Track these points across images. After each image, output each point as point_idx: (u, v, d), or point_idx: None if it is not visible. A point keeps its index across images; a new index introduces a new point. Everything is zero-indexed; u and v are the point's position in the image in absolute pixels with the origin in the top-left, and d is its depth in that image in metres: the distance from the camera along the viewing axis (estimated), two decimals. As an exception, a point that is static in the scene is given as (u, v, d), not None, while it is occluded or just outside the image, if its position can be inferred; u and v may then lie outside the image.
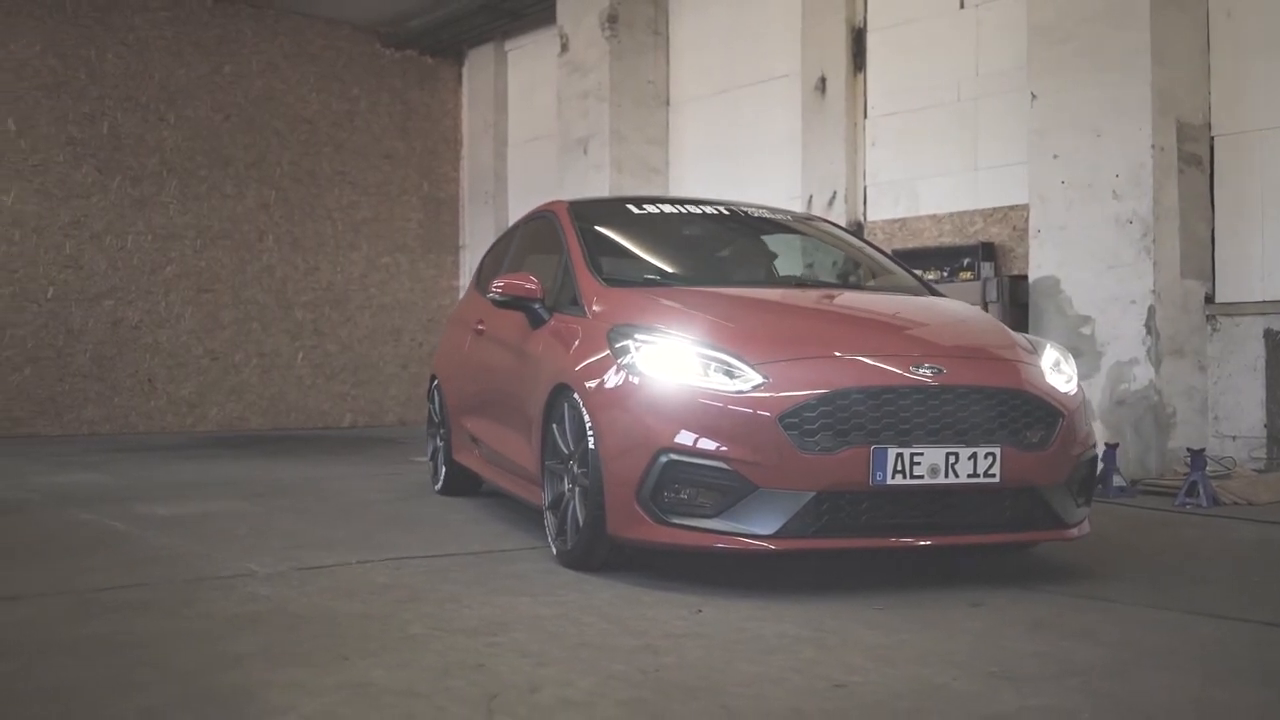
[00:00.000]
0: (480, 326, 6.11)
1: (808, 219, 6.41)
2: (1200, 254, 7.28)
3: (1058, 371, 4.42)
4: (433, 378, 7.11)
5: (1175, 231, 7.11)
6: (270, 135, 13.03)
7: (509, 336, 5.50)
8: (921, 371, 4.06)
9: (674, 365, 4.13)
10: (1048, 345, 4.64)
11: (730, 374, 4.04)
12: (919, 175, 9.07)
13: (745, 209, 6.00)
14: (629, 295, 4.81)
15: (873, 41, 9.41)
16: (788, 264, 5.98)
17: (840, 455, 3.88)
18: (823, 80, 9.50)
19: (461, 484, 6.62)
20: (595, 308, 4.77)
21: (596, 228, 5.46)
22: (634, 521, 4.10)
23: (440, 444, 6.81)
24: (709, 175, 10.73)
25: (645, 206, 5.78)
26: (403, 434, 12.17)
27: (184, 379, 12.52)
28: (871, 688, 2.88)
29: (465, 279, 14.12)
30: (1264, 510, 6.09)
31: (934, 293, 5.43)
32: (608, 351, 4.35)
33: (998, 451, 4.00)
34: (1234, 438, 7.14)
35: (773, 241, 6.01)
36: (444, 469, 6.73)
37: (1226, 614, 3.68)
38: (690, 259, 5.68)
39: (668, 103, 11.30)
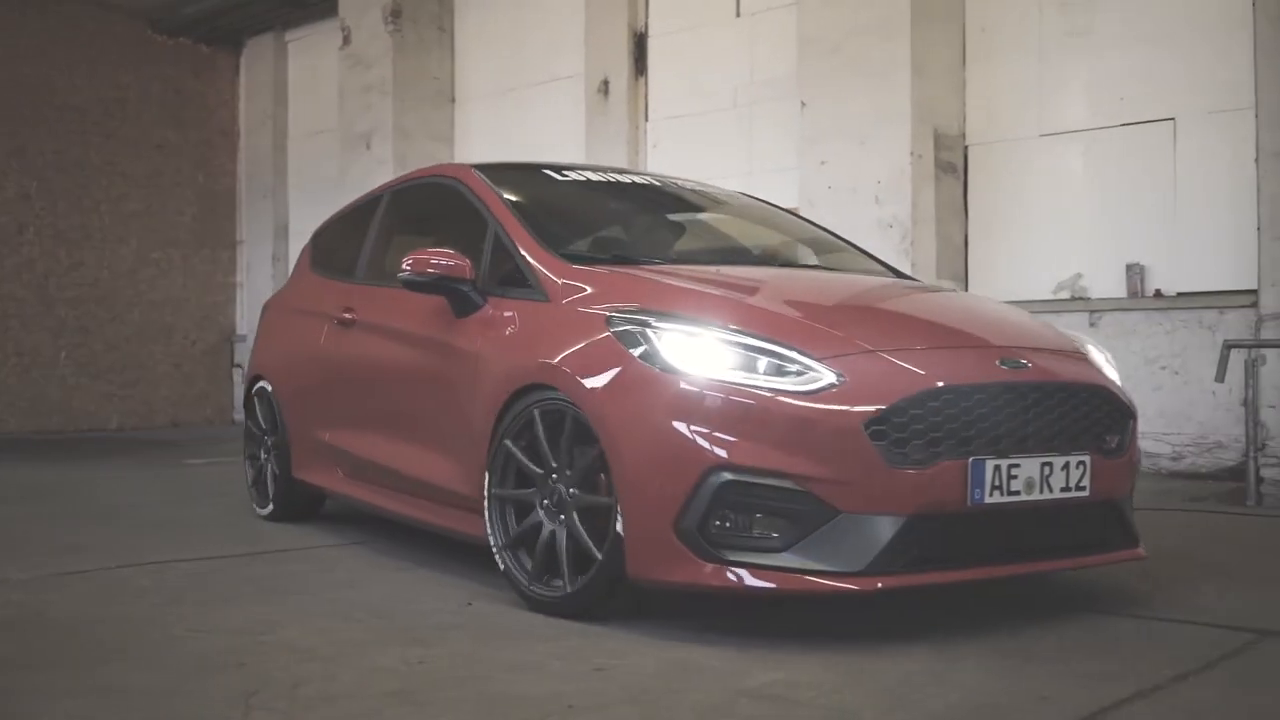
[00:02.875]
0: (348, 315, 5.09)
1: (741, 194, 5.70)
2: (954, 256, 7.74)
3: (1110, 367, 3.92)
4: (255, 380, 5.95)
5: (932, 235, 7.54)
6: (34, 122, 12.36)
7: (412, 326, 4.51)
8: (1007, 368, 3.43)
9: (711, 359, 3.32)
10: (1083, 338, 4.08)
11: (786, 371, 3.27)
12: (699, 177, 9.29)
13: (675, 181, 5.32)
14: (609, 274, 3.93)
15: (654, 46, 9.62)
16: (746, 242, 5.24)
17: (933, 470, 3.19)
18: (606, 83, 9.66)
19: (300, 508, 5.61)
20: (564, 290, 3.87)
21: (521, 197, 4.52)
22: (669, 559, 3.23)
23: (268, 461, 5.69)
24: (494, 173, 10.73)
25: (567, 173, 4.93)
26: (175, 436, 11.74)
27: (-67, 379, 11.75)
28: (630, 669, 2.98)
29: (243, 274, 13.73)
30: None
31: (910, 279, 4.91)
32: (610, 341, 3.50)
33: (1087, 460, 3.43)
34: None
35: (716, 218, 5.29)
36: (278, 489, 5.60)
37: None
38: (650, 233, 4.93)
39: (453, 100, 11.26)
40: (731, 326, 3.41)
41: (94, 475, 7.95)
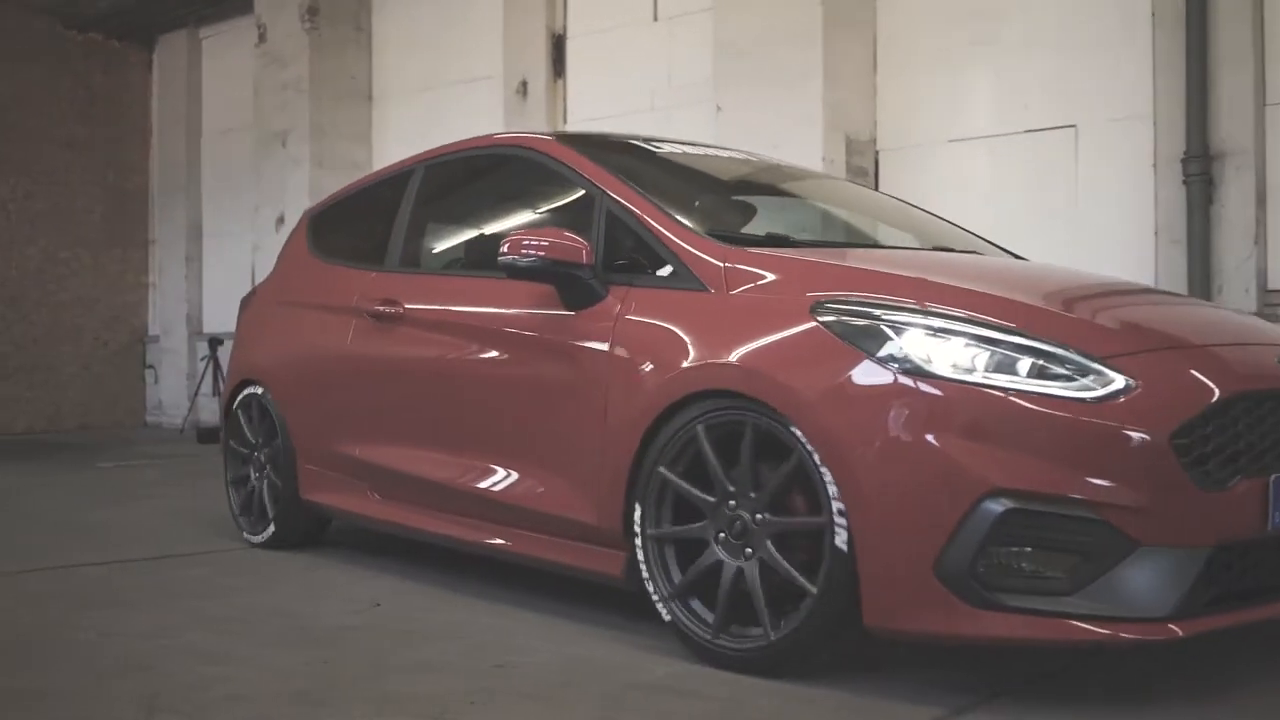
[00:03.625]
0: (388, 309, 4.31)
1: (830, 176, 5.01)
2: (866, 259, 7.86)
3: None
4: (240, 386, 5.14)
5: (844, 238, 7.65)
6: (-65, 117, 12.07)
7: (498, 321, 3.81)
8: None
9: (964, 359, 2.75)
10: None
11: (1054, 373, 2.71)
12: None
13: (761, 157, 4.78)
14: (782, 258, 3.32)
15: (572, 48, 9.65)
16: (887, 223, 4.71)
17: (1235, 491, 2.71)
18: (524, 84, 9.67)
19: (305, 532, 4.84)
20: (731, 276, 3.22)
21: (632, 172, 3.81)
22: (925, 605, 2.67)
23: (263, 479, 4.89)
24: (412, 174, 10.70)
25: (659, 145, 4.34)
26: (85, 439, 11.53)
27: None
28: (531, 666, 3.03)
29: (155, 274, 13.50)
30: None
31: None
32: (823, 337, 2.90)
33: None
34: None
35: (838, 196, 4.74)
36: (280, 512, 4.79)
37: None
38: (785, 213, 4.34)
39: (371, 98, 11.20)
40: (983, 319, 2.81)
41: (0, 479, 7.80)
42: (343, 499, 4.48)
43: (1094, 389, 2.67)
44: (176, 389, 12.67)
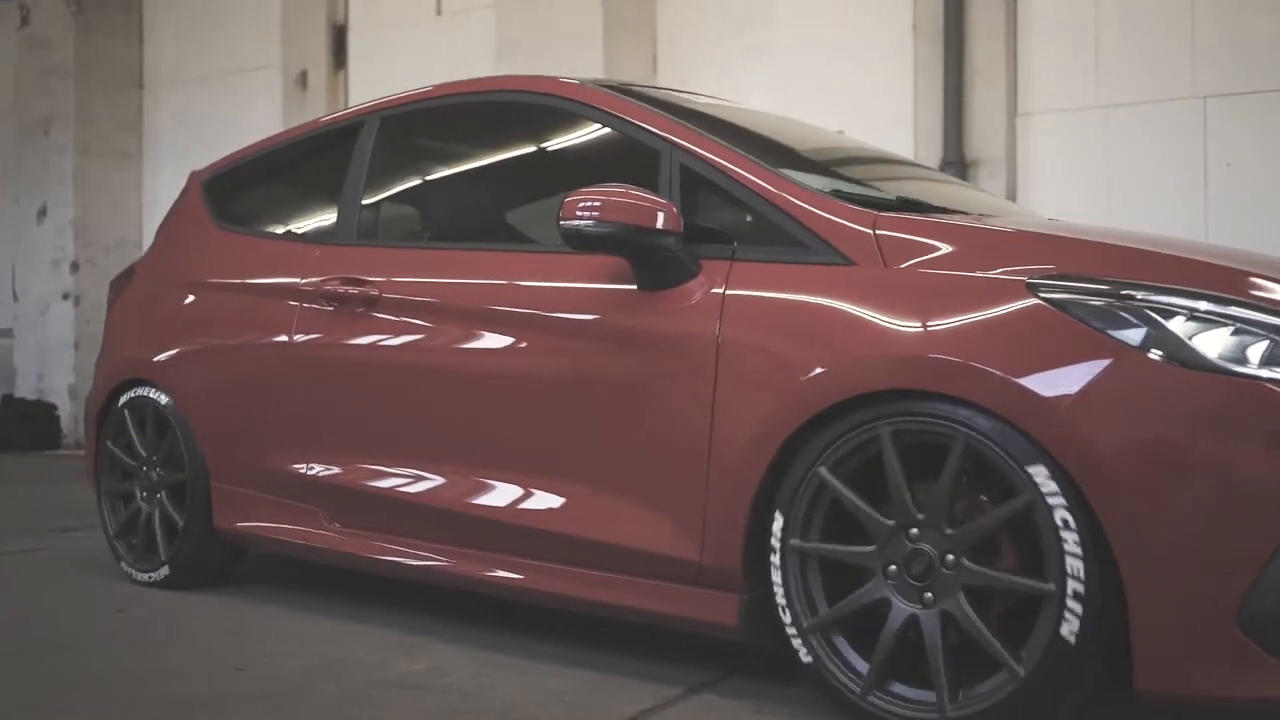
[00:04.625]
0: (354, 291, 3.50)
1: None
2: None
3: None
4: (124, 387, 4.22)
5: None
6: None
7: (538, 304, 3.09)
8: None
9: (1244, 351, 2.25)
10: None
11: None
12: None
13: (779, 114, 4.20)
14: (961, 226, 2.74)
15: (354, 40, 9.49)
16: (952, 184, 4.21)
17: None
18: (304, 74, 9.46)
19: (212, 569, 4.00)
20: (888, 246, 2.61)
21: (701, 122, 3.16)
22: (1223, 661, 2.18)
23: (156, 503, 4.01)
24: (188, 163, 10.32)
25: (692, 96, 3.78)
26: None
27: None
28: (272, 667, 2.98)
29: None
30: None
31: None
32: (1058, 320, 2.31)
33: None
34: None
35: (881, 156, 4.05)
36: (183, 546, 3.91)
37: None
38: (867, 171, 3.70)
39: (142, 85, 10.75)
40: (1258, 302, 2.29)
41: None
42: (278, 528, 3.67)
43: None
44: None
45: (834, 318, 2.58)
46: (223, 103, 10.23)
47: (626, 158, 3.15)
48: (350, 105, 9.35)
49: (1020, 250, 2.55)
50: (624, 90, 3.34)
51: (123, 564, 4.09)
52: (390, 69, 9.26)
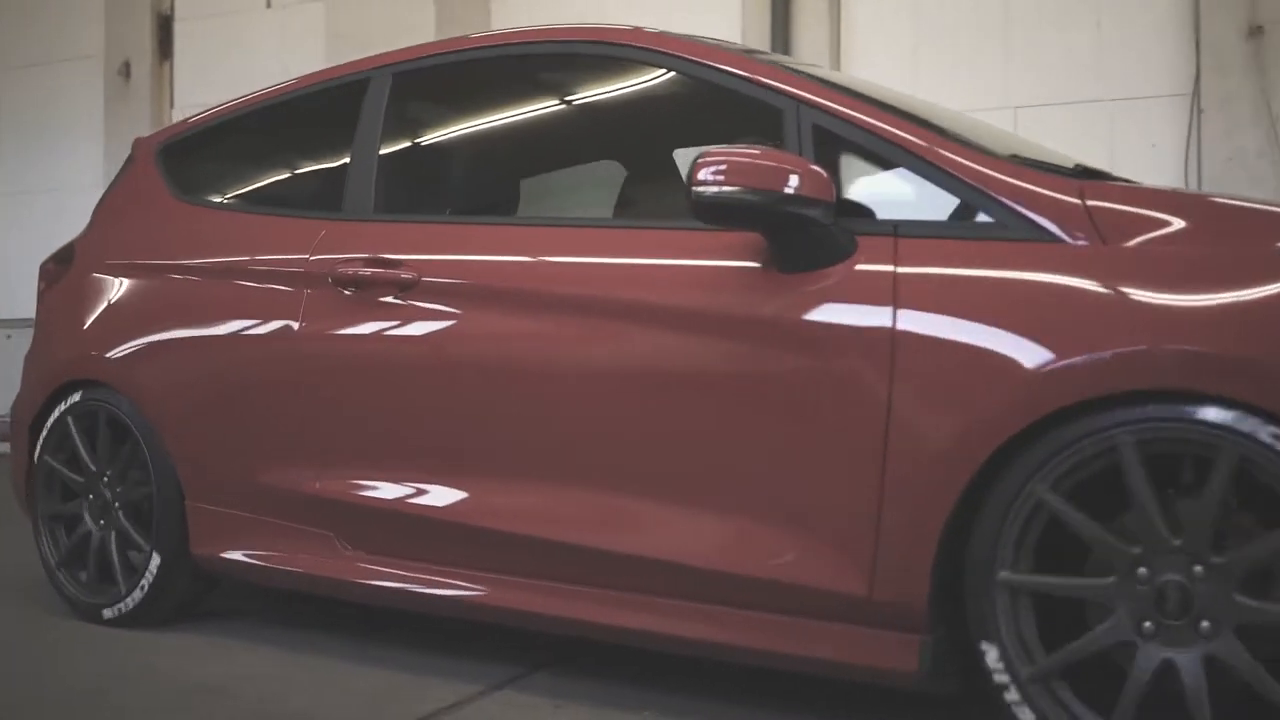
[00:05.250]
0: (401, 273, 2.94)
1: None
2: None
3: None
4: (69, 388, 3.60)
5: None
6: None
7: (639, 290, 2.61)
8: None
9: None
10: None
11: None
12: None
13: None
14: (1186, 196, 2.52)
15: (180, 30, 9.24)
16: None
17: None
18: (127, 65, 9.17)
19: (181, 603, 3.42)
20: (1108, 219, 2.21)
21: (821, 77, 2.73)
22: None
23: (109, 526, 3.44)
24: (1, 159, 9.91)
25: (761, 53, 3.15)
26: None
27: None
28: (65, 674, 2.89)
29: None
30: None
31: None
32: None
33: None
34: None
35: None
36: (152, 576, 3.30)
37: None
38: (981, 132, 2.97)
39: (-46, 72, 10.26)
40: None
41: None
42: (278, 554, 3.13)
43: None
44: None
45: (1055, 305, 2.16)
46: (40, 91, 9.84)
47: (735, 118, 2.79)
48: (169, 99, 9.13)
49: (1267, 225, 2.18)
50: (713, 44, 2.86)
51: (71, 595, 3.48)
52: (218, 61, 9.06)
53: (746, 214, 2.35)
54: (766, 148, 2.38)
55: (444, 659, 3.01)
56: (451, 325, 2.85)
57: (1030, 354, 2.13)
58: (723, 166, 2.31)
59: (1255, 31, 5.73)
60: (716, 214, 2.37)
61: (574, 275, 2.70)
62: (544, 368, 2.69)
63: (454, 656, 3.03)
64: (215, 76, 9.05)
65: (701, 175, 2.32)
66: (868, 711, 2.58)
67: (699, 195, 2.32)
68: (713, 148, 2.34)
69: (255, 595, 3.50)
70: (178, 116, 9.19)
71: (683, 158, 3.14)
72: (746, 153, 2.33)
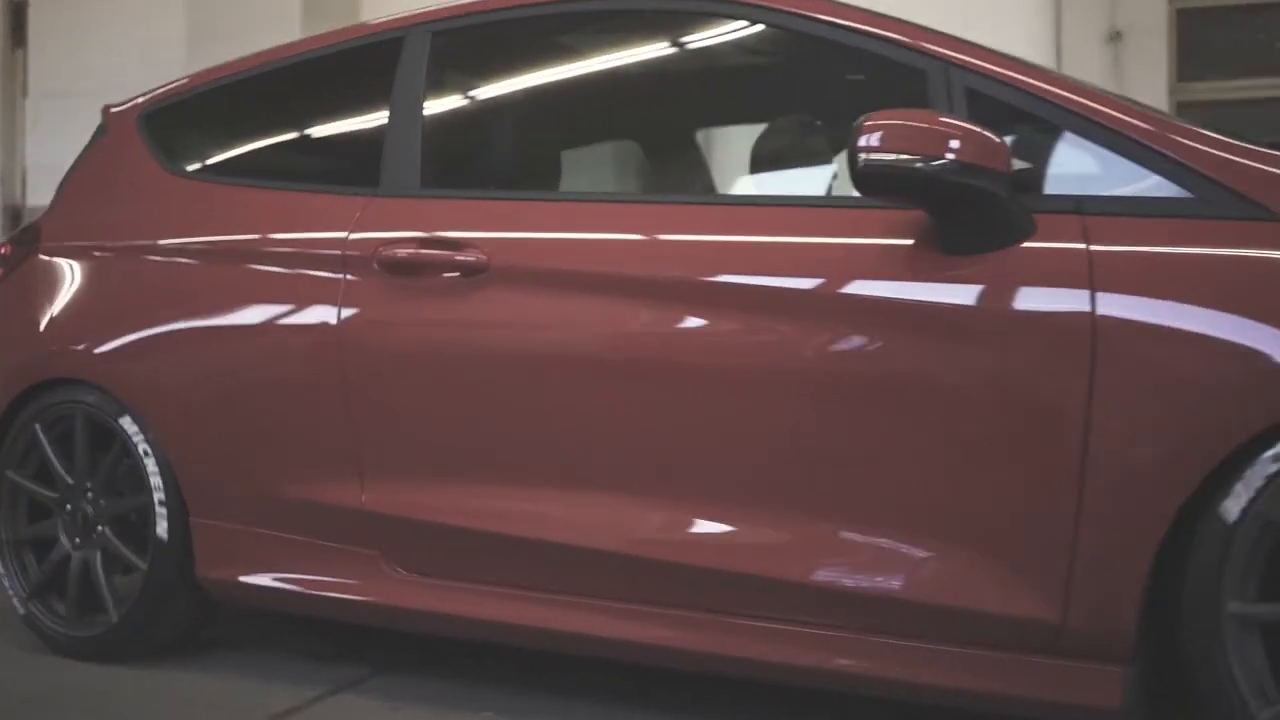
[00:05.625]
0: (466, 255, 2.55)
1: None
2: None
3: None
4: (32, 394, 3.11)
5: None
6: None
7: (778, 274, 2.28)
8: None
9: None
10: None
11: None
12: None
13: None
14: None
15: (34, 17, 8.97)
16: None
17: None
18: (-23, 51, 8.84)
19: (173, 629, 3.00)
20: None
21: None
22: None
23: (93, 547, 2.99)
24: None
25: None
26: None
27: None
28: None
29: None
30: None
31: None
32: None
33: None
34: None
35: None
36: (143, 604, 2.91)
37: None
38: None
39: None
40: None
41: None
42: (309, 579, 2.74)
43: None
44: None
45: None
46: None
47: (858, 81, 2.52)
48: (22, 87, 8.81)
49: None
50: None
51: (40, 625, 3.05)
52: (74, 50, 8.81)
53: (916, 185, 2.05)
54: (933, 112, 2.14)
55: (283, 662, 2.96)
56: (538, 316, 2.48)
57: (1273, 343, 1.88)
58: (893, 132, 2.02)
59: (1114, 37, 5.87)
60: (884, 185, 2.08)
61: (697, 257, 2.37)
62: (661, 367, 2.35)
63: (296, 659, 2.99)
64: (71, 65, 8.79)
65: (863, 141, 2.03)
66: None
67: (866, 164, 2.03)
68: (877, 114, 2.06)
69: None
70: (31, 107, 8.90)
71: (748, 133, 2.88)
72: (913, 115, 2.07)
